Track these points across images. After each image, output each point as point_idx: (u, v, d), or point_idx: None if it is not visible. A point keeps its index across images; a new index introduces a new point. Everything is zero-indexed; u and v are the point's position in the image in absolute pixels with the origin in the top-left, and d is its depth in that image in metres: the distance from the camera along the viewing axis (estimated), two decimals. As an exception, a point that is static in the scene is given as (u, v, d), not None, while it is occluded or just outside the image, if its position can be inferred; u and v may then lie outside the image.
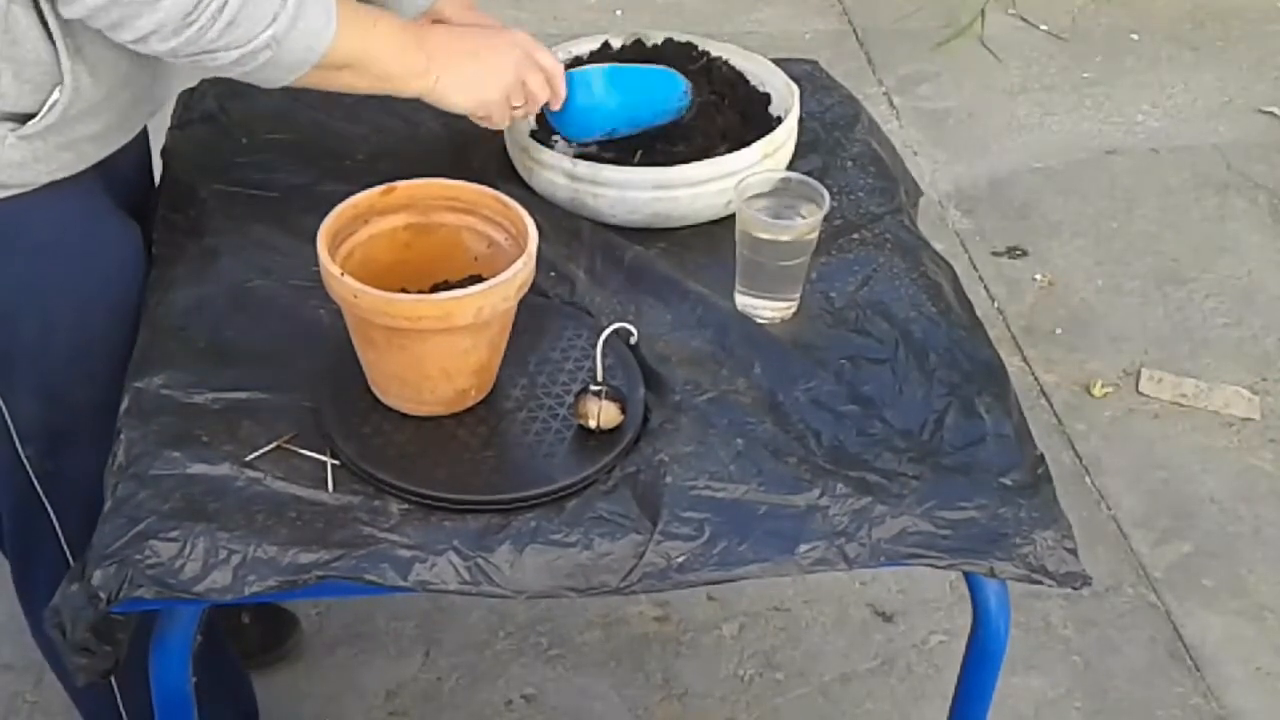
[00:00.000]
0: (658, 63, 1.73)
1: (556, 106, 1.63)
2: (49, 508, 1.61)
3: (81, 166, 1.46)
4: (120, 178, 1.58)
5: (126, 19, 1.28)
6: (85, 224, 1.51)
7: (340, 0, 1.40)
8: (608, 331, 1.42)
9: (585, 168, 1.63)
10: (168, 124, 1.78)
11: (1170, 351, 2.96)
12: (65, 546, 1.64)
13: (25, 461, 1.57)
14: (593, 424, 1.38)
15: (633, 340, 1.46)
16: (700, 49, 1.79)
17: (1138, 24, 4.02)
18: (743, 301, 1.58)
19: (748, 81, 1.79)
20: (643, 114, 1.68)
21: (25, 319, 1.49)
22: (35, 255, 1.46)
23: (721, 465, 1.37)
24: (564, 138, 1.71)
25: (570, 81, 1.63)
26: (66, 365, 1.52)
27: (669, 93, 1.68)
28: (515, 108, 1.60)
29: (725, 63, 1.79)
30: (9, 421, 1.54)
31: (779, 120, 1.72)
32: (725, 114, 1.72)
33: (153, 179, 1.74)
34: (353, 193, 1.45)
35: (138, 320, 1.53)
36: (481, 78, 1.55)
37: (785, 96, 1.75)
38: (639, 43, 1.81)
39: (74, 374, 1.53)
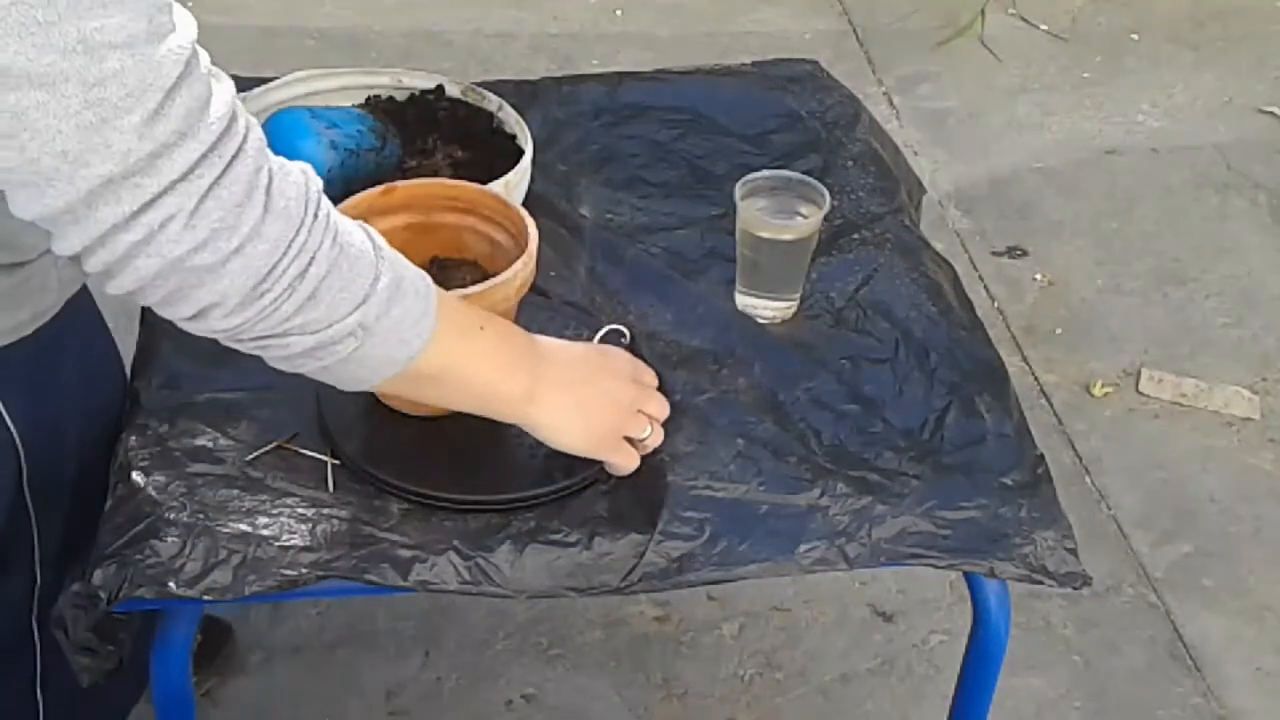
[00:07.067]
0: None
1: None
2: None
3: None
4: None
5: (186, 288, 1.05)
6: None
7: (439, 294, 1.19)
8: (603, 331, 1.42)
9: None
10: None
11: (1170, 351, 2.95)
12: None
13: None
14: (593, 424, 1.38)
15: (625, 340, 1.46)
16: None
17: (1138, 24, 4.01)
18: (743, 301, 1.58)
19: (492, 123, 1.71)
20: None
21: None
22: None
23: (722, 465, 1.37)
24: None
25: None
26: None
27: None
28: (639, 440, 1.34)
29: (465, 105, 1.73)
30: None
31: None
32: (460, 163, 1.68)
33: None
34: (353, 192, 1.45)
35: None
36: (587, 409, 1.30)
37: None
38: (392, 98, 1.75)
39: None
